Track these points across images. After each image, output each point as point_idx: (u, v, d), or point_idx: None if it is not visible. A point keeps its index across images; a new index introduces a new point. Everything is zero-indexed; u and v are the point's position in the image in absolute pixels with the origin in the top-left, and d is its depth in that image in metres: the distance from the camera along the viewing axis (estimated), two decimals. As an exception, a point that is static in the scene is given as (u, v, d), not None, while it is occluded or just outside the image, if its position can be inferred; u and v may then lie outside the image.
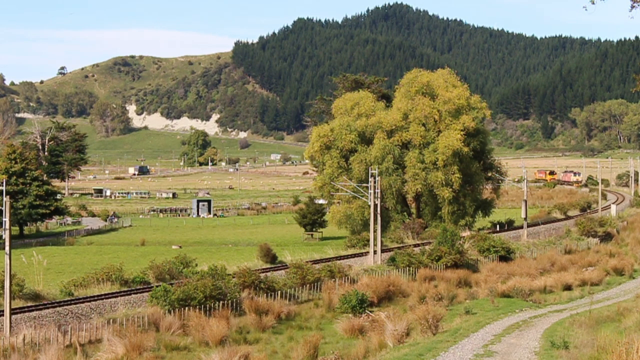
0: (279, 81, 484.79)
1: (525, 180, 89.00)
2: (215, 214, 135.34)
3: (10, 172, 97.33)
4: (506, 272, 56.36)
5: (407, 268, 56.81)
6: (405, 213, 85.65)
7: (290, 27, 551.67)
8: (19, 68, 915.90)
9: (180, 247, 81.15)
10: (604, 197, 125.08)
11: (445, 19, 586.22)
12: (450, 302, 44.98)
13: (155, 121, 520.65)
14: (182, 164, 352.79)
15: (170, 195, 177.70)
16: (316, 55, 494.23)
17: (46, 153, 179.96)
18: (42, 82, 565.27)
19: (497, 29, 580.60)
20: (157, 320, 38.64)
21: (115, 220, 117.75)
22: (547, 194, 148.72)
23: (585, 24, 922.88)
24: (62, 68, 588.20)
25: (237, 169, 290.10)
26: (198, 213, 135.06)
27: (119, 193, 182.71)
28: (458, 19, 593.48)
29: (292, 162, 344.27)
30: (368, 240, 64.16)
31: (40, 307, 40.50)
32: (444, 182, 79.66)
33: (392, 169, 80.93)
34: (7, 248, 36.52)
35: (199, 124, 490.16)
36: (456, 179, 79.64)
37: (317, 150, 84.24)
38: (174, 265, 51.42)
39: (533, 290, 49.05)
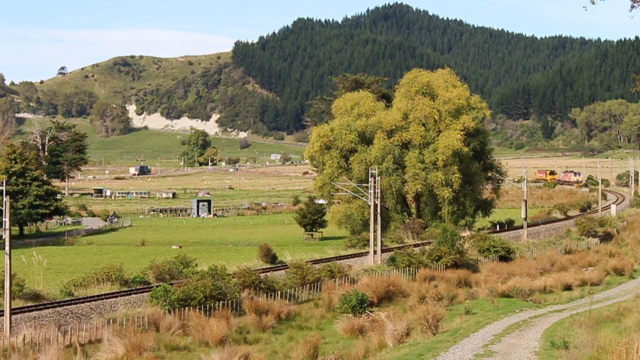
0: (279, 81, 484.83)
1: (525, 180, 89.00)
2: (215, 214, 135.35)
3: (10, 172, 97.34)
4: (506, 272, 56.35)
5: (407, 268, 56.80)
6: (405, 213, 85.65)
7: (290, 27, 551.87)
8: (19, 68, 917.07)
9: (180, 247, 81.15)
10: (604, 197, 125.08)
11: (445, 19, 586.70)
12: (450, 302, 44.98)
13: (155, 121, 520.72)
14: (182, 164, 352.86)
15: (170, 195, 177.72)
16: (316, 55, 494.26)
17: (46, 153, 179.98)
18: (42, 82, 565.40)
19: (497, 29, 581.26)
20: (157, 320, 38.64)
21: (115, 220, 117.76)
22: (547, 194, 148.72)
23: (585, 24, 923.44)
24: (62, 68, 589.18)
25: (237, 169, 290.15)
26: (198, 213, 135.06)
27: (119, 193, 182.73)
28: (458, 19, 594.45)
29: (292, 162, 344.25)
30: (368, 240, 64.16)
31: (40, 307, 40.50)
32: (444, 182, 79.66)
33: (392, 169, 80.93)
34: (7, 248, 36.52)
35: (199, 124, 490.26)
36: (456, 179, 79.64)
37: (317, 150, 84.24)
38: (174, 265, 51.42)
39: (533, 290, 49.05)
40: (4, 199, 38.53)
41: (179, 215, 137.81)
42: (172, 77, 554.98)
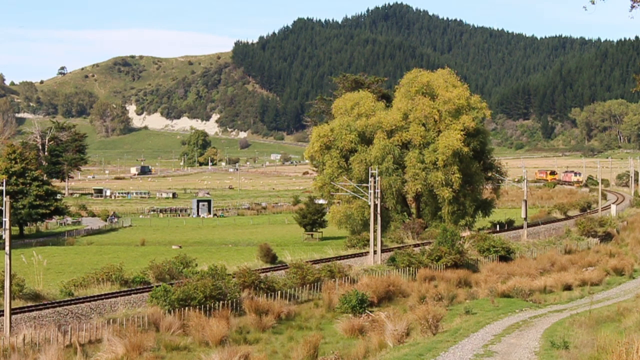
0: (279, 81, 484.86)
1: (525, 180, 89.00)
2: (215, 214, 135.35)
3: (10, 172, 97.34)
4: (506, 272, 56.35)
5: (407, 268, 56.80)
6: (405, 213, 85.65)
7: (290, 27, 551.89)
8: (19, 68, 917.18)
9: (180, 247, 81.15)
10: (604, 197, 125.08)
11: (445, 19, 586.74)
12: (450, 302, 44.97)
13: (155, 121, 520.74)
14: (182, 164, 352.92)
15: (170, 195, 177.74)
16: (316, 55, 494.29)
17: (46, 153, 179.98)
18: (42, 82, 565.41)
19: (497, 29, 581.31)
20: (157, 320, 38.64)
21: (115, 220, 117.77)
22: (547, 194, 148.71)
23: (585, 24, 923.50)
24: (62, 68, 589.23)
25: (237, 169, 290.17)
26: (198, 213, 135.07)
27: (119, 193, 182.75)
28: (458, 19, 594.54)
29: (292, 162, 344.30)
30: (368, 240, 64.16)
31: (40, 307, 40.50)
32: (444, 182, 79.66)
33: (392, 169, 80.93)
34: (7, 248, 36.52)
35: (199, 124, 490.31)
36: (456, 179, 79.64)
37: (317, 150, 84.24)
38: (174, 265, 51.42)
39: (533, 290, 49.05)
40: (4, 199, 38.53)
41: (179, 215, 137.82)
42: (172, 77, 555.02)
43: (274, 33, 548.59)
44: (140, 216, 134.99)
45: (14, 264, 39.53)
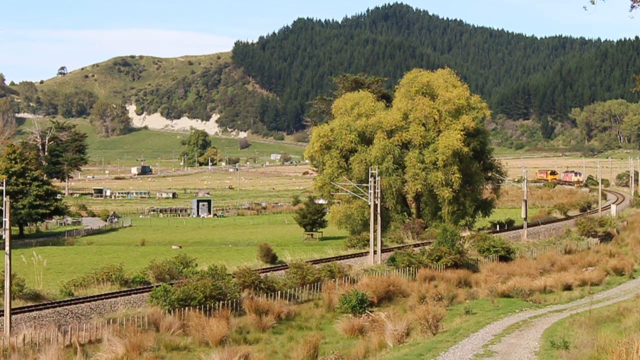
0: (279, 81, 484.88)
1: (525, 180, 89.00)
2: (215, 214, 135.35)
3: (10, 172, 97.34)
4: (506, 272, 56.35)
5: (407, 268, 56.80)
6: (405, 213, 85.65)
7: (290, 27, 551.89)
8: (19, 68, 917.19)
9: (180, 247, 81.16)
10: (604, 197, 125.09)
11: (445, 19, 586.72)
12: (450, 302, 44.97)
13: (155, 121, 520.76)
14: (182, 164, 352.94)
15: (170, 195, 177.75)
16: (316, 55, 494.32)
17: (46, 153, 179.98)
18: (42, 82, 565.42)
19: (497, 29, 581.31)
20: (157, 320, 38.64)
21: (115, 220, 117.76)
22: (547, 194, 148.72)
23: (585, 24, 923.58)
24: (62, 68, 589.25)
25: (237, 169, 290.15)
26: (198, 213, 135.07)
27: (119, 193, 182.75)
28: (458, 19, 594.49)
29: (291, 162, 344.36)
30: (368, 240, 64.16)
31: (40, 307, 40.50)
32: (444, 182, 79.66)
33: (392, 169, 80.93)
34: (7, 248, 36.52)
35: (199, 124, 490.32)
36: (456, 179, 79.64)
37: (317, 150, 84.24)
38: (174, 265, 51.43)
39: (533, 290, 49.05)
40: (4, 199, 38.53)
41: (179, 215, 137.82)
42: (172, 77, 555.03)
43: (274, 33, 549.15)
44: (140, 216, 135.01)
45: (14, 264, 39.53)
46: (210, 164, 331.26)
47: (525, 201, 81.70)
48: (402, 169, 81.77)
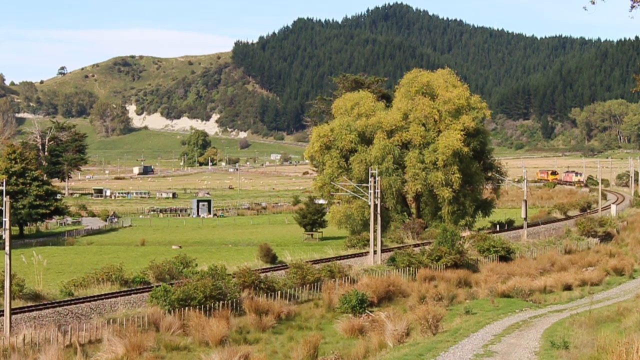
0: (279, 81, 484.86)
1: (525, 180, 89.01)
2: (215, 214, 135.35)
3: (10, 172, 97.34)
4: (506, 272, 56.35)
5: (407, 268, 56.81)
6: (405, 213, 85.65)
7: (290, 27, 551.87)
8: (19, 68, 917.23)
9: (180, 247, 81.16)
10: (604, 197, 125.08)
11: (445, 19, 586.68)
12: (450, 302, 44.98)
13: (155, 121, 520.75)
14: (182, 164, 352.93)
15: (170, 195, 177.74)
16: (316, 55, 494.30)
17: (46, 153, 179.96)
18: (42, 82, 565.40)
19: (497, 29, 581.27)
20: (157, 320, 38.64)
21: (115, 220, 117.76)
22: (547, 194, 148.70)
23: (585, 24, 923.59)
24: (62, 68, 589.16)
25: (237, 169, 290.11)
26: (198, 213, 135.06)
27: (119, 193, 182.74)
28: (458, 19, 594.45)
29: (291, 162, 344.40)
30: (368, 240, 64.16)
31: (40, 307, 40.50)
32: (444, 182, 79.66)
33: (392, 169, 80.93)
34: (7, 248, 36.52)
35: (199, 124, 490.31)
36: (456, 179, 79.64)
37: (317, 150, 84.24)
38: (174, 265, 51.43)
39: (533, 290, 49.05)
40: (4, 199, 38.54)
41: (179, 215, 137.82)
42: (172, 77, 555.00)
43: (274, 33, 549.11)
44: (140, 216, 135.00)
45: (14, 264, 39.53)
46: (210, 164, 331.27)
47: (525, 201, 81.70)
48: (402, 169, 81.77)
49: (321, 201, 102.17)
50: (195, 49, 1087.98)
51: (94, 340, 36.22)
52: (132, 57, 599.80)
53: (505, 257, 65.34)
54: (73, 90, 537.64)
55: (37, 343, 34.66)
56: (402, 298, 48.64)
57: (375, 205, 61.72)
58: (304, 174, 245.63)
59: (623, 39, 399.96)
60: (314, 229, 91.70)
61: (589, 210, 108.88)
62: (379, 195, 62.61)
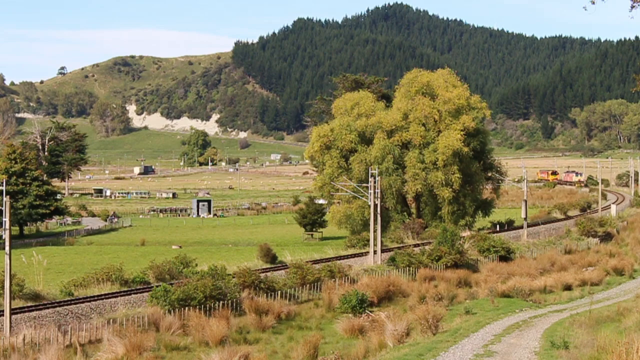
0: (279, 81, 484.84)
1: (525, 180, 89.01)
2: (215, 214, 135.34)
3: (10, 172, 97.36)
4: (506, 272, 56.36)
5: (407, 268, 56.81)
6: (405, 213, 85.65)
7: (290, 27, 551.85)
8: (19, 68, 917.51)
9: (180, 247, 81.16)
10: (604, 197, 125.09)
11: (445, 19, 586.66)
12: (450, 302, 44.98)
13: (155, 121, 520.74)
14: (182, 164, 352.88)
15: (170, 195, 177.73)
16: (316, 55, 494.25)
17: (46, 153, 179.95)
18: (42, 82, 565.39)
19: (497, 29, 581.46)
20: (157, 320, 38.64)
21: (115, 220, 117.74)
22: (547, 194, 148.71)
23: (585, 24, 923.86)
24: (62, 68, 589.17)
25: (237, 169, 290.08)
26: (198, 213, 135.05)
27: (119, 193, 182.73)
28: (458, 19, 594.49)
29: (290, 162, 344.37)
30: (368, 240, 64.16)
31: (40, 307, 40.50)
32: (444, 182, 79.67)
33: (392, 169, 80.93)
34: (7, 248, 36.52)
35: (199, 124, 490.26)
36: (456, 179, 79.65)
37: (317, 150, 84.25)
38: (174, 265, 51.44)
39: (533, 290, 49.06)
40: (4, 199, 38.55)
41: (179, 215, 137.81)
42: (172, 77, 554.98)
43: (274, 33, 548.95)
44: (140, 216, 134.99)
45: (14, 264, 39.53)
46: (210, 164, 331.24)
47: (525, 201, 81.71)
48: (402, 169, 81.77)
49: (321, 201, 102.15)
50: (195, 49, 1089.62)
51: (94, 340, 36.23)
52: (132, 57, 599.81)
53: (505, 257, 65.35)
54: (73, 90, 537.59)
55: (37, 343, 34.66)
56: (402, 298, 48.64)
57: (375, 205, 61.72)
58: (304, 174, 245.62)
59: (623, 39, 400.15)
60: (314, 229, 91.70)
61: (589, 210, 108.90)
62: (379, 195, 62.61)
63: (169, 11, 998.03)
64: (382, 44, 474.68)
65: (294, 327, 40.15)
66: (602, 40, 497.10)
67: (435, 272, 55.67)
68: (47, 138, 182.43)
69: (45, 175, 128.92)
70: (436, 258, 58.48)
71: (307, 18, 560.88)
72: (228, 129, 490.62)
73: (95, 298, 43.03)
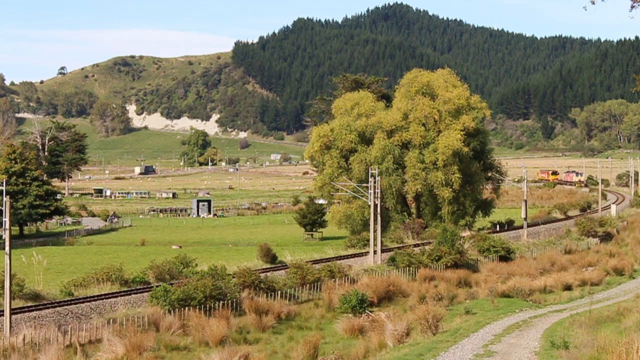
0: (279, 81, 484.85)
1: (525, 180, 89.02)
2: (215, 214, 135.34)
3: (10, 172, 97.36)
4: (506, 272, 56.36)
5: (407, 268, 56.81)
6: (405, 213, 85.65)
7: (290, 27, 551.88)
8: (19, 68, 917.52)
9: (180, 247, 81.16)
10: (604, 197, 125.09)
11: (445, 19, 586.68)
12: (450, 302, 44.97)
13: (155, 121, 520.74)
14: (182, 164, 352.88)
15: (170, 195, 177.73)
16: (316, 55, 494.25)
17: (46, 153, 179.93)
18: (42, 82, 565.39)
19: (497, 29, 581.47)
20: (157, 320, 38.64)
21: (115, 220, 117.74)
22: (547, 194, 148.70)
23: (585, 24, 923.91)
24: (62, 68, 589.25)
25: (237, 169, 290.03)
26: (198, 213, 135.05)
27: (119, 193, 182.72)
28: (458, 19, 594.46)
29: (290, 162, 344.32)
30: (368, 240, 64.16)
31: (40, 307, 40.50)
32: (444, 182, 79.67)
33: (392, 169, 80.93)
34: (7, 248, 36.52)
35: (199, 124, 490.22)
36: (456, 179, 79.65)
37: (317, 150, 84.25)
38: (174, 265, 51.44)
39: (533, 290, 49.06)
40: (4, 199, 38.55)
41: (179, 215, 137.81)
42: (172, 77, 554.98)
43: (274, 33, 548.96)
44: (140, 216, 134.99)
45: (14, 264, 39.53)
46: (210, 164, 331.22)
47: (525, 201, 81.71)
48: (402, 169, 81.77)
49: (321, 201, 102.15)
50: (195, 49, 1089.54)
51: (94, 340, 36.23)
52: (132, 57, 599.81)
53: (505, 257, 65.35)
54: (73, 90, 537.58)
55: (37, 343, 34.66)
56: (402, 298, 48.64)
57: (375, 205, 61.72)
58: (304, 174, 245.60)
59: (623, 39, 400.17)
60: (314, 229, 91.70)
61: (589, 210, 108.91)
62: (379, 195, 62.62)
63: (169, 11, 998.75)
64: (382, 44, 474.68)
65: (294, 327, 40.15)
66: (602, 40, 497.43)
67: (435, 272, 55.67)
68: (47, 138, 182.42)
69: (45, 175, 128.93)
70: (436, 258, 58.48)
71: (307, 18, 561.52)
72: (228, 129, 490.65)
73: (95, 298, 43.03)
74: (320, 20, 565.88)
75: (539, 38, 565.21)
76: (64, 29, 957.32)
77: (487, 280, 53.68)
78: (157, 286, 44.02)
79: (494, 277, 54.56)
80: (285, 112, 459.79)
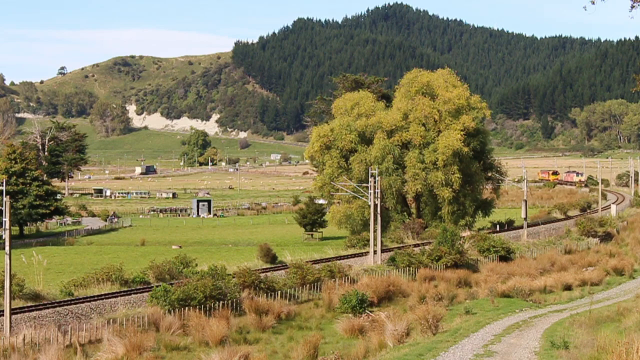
0: (279, 81, 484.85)
1: (525, 180, 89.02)
2: (215, 214, 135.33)
3: (10, 172, 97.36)
4: (506, 272, 56.36)
5: (407, 268, 56.81)
6: (405, 213, 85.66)
7: (290, 27, 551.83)
8: (19, 68, 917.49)
9: (180, 247, 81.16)
10: (604, 197, 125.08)
11: (445, 19, 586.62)
12: (450, 302, 44.98)
13: (155, 121, 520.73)
14: (182, 164, 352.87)
15: (170, 195, 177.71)
16: (316, 55, 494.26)
17: (46, 153, 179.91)
18: (42, 82, 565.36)
19: (497, 29, 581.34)
20: (157, 320, 38.64)
21: (115, 220, 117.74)
22: (547, 194, 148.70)
23: (585, 24, 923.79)
24: (62, 68, 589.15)
25: (237, 169, 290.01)
26: (198, 213, 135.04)
27: (119, 193, 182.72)
28: (458, 19, 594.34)
29: (290, 162, 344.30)
30: (368, 240, 64.16)
31: (40, 307, 40.50)
32: (444, 182, 79.67)
33: (392, 169, 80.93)
34: (7, 248, 36.52)
35: (199, 124, 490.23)
36: (456, 179, 79.65)
37: (317, 150, 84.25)
38: (174, 265, 51.44)
39: (533, 290, 49.06)
40: (4, 199, 38.55)
41: (179, 215, 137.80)
42: (172, 77, 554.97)
43: (274, 33, 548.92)
44: (140, 216, 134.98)
45: (14, 264, 39.53)
46: (210, 164, 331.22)
47: (525, 201, 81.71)
48: (402, 169, 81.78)
49: (321, 201, 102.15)
50: (195, 49, 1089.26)
51: (94, 340, 36.23)
52: (132, 57, 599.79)
53: (505, 257, 65.35)
54: (73, 90, 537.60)
55: (37, 343, 34.66)
56: (402, 298, 48.64)
57: (375, 205, 61.72)
58: (304, 174, 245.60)
59: (623, 39, 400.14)
60: (314, 229, 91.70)
61: (589, 210, 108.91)
62: (379, 195, 62.62)
63: (169, 11, 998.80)
64: (382, 44, 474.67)
65: (294, 327, 40.16)
66: (602, 40, 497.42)
67: (435, 272, 55.68)
68: (47, 138, 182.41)
69: (45, 175, 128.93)
70: (436, 258, 58.49)
71: (307, 18, 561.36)
72: (228, 129, 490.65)
73: (95, 298, 43.03)
74: (320, 20, 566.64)
75: (539, 38, 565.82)
76: (64, 29, 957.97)
77: (487, 280, 53.68)
78: (157, 286, 44.02)
79: (494, 277, 54.56)
80: (285, 112, 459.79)
